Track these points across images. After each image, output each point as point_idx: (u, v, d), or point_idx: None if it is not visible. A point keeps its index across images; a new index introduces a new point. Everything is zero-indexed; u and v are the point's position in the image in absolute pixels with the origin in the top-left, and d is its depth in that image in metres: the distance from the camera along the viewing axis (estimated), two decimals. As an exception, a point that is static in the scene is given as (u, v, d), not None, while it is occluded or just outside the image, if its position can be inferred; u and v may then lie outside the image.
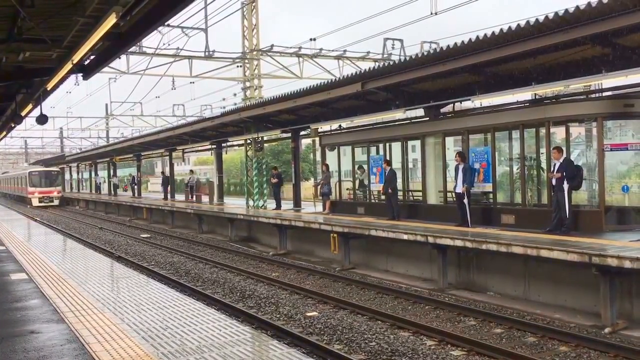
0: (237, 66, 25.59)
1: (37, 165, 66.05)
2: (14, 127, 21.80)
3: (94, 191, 57.68)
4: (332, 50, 24.75)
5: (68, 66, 10.08)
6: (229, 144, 31.21)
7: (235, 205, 27.71)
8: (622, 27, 9.82)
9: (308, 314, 10.73)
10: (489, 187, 14.34)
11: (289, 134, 24.03)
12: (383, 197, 17.46)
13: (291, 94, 18.81)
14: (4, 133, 26.82)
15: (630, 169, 14.57)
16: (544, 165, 13.25)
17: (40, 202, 49.41)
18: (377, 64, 20.73)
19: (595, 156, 12.63)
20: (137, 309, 7.61)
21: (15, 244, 15.68)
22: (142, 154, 42.44)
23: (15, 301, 8.19)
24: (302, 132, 23.57)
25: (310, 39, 24.00)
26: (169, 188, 36.53)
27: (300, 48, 24.44)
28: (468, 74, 13.75)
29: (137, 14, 7.65)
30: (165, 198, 36.01)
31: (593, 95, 13.77)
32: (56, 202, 50.34)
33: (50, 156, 68.39)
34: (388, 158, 17.56)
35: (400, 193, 17.96)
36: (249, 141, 25.17)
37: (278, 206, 23.23)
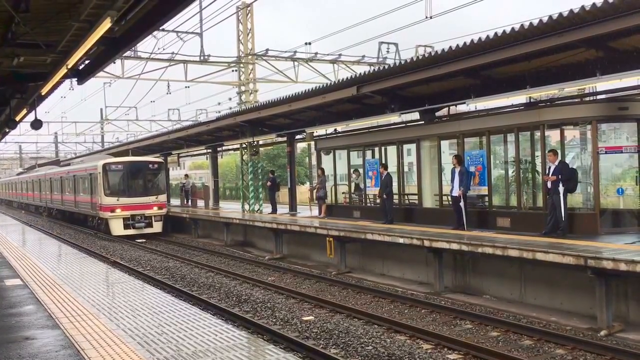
0: (233, 70, 25.63)
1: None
2: (8, 132, 21.71)
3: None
4: (327, 54, 24.86)
5: (63, 71, 10.04)
6: (224, 148, 31.16)
7: (230, 209, 27.68)
8: (615, 31, 9.88)
9: (304, 318, 10.70)
10: (484, 190, 14.35)
11: (285, 138, 24.04)
12: (378, 200, 17.46)
13: (286, 98, 18.82)
14: (-2, 138, 26.70)
15: (625, 172, 14.58)
16: (539, 168, 13.28)
17: (128, 227, 25.60)
18: (372, 67, 20.78)
19: (590, 159, 12.66)
20: (132, 314, 7.58)
21: (9, 249, 15.60)
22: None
23: (10, 307, 8.14)
24: (298, 136, 23.57)
25: (306, 43, 24.13)
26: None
27: (295, 52, 24.50)
28: (463, 78, 13.78)
29: (131, 18, 7.64)
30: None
31: (587, 99, 13.82)
32: (157, 228, 26.18)
33: (45, 161, 67.87)
34: (384, 162, 17.57)
35: (396, 197, 17.97)
36: (244, 145, 25.15)
37: (274, 210, 23.21)
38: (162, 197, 26.73)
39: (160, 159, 29.69)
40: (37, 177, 45.63)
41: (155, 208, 26.06)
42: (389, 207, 16.51)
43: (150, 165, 27.23)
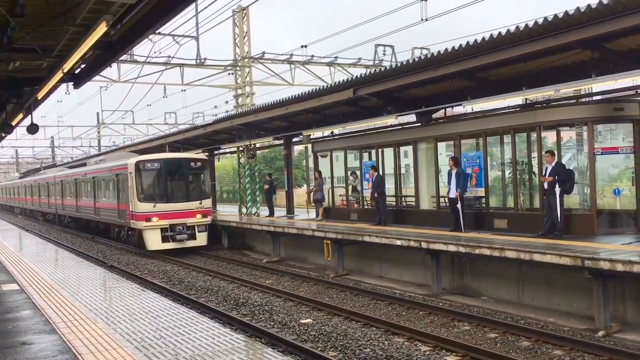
0: (229, 73, 25.61)
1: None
2: (5, 136, 21.67)
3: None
4: (324, 57, 24.84)
5: (59, 75, 10.04)
6: (221, 151, 31.17)
7: (228, 212, 27.64)
8: (610, 32, 9.91)
9: (302, 321, 10.69)
10: (481, 191, 14.38)
11: (281, 141, 24.04)
12: (370, 202, 17.50)
13: (283, 100, 18.82)
14: (-5, 142, 26.58)
15: (621, 173, 14.62)
16: (535, 169, 13.30)
17: (166, 240, 20.78)
18: (368, 70, 20.84)
19: (587, 160, 12.70)
20: (130, 318, 7.56)
21: (6, 254, 15.56)
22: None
23: (7, 312, 8.12)
24: (295, 139, 23.58)
25: (302, 46, 24.08)
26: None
27: (291, 55, 24.49)
28: (459, 80, 13.81)
29: (127, 22, 7.63)
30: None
31: (583, 100, 13.86)
32: (201, 241, 21.42)
33: (38, 166, 67.52)
34: (380, 164, 17.60)
35: (393, 198, 17.99)
36: (241, 148, 25.14)
37: (271, 213, 23.19)
38: (207, 203, 22.05)
39: (204, 156, 25.29)
40: (45, 179, 40.25)
41: (198, 216, 21.24)
42: (383, 209, 16.54)
43: (193, 163, 22.14)
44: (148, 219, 20.62)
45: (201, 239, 21.33)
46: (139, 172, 21.12)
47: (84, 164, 33.62)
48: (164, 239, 20.69)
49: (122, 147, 39.43)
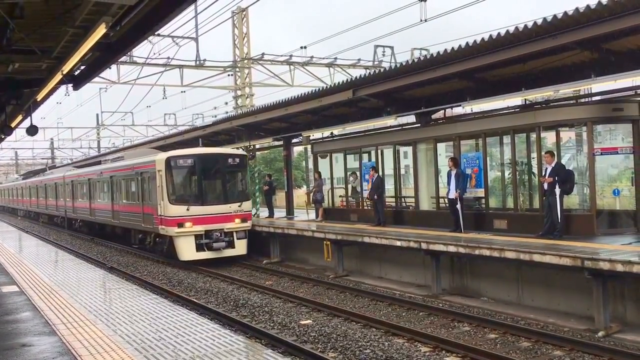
0: (228, 75, 25.65)
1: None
2: (4, 138, 21.67)
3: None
4: (323, 58, 24.90)
5: (58, 77, 10.03)
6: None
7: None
8: (609, 32, 9.92)
9: (302, 322, 10.69)
10: (481, 192, 14.37)
11: (281, 142, 24.03)
12: (369, 203, 17.50)
13: (282, 101, 18.82)
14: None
15: (621, 173, 14.63)
16: (535, 170, 13.31)
17: (201, 249, 18.15)
18: (367, 71, 20.84)
19: (586, 160, 12.70)
20: (129, 320, 7.56)
21: (6, 256, 15.56)
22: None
23: (6, 314, 8.11)
24: (294, 140, 23.57)
25: (301, 47, 24.12)
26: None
27: (291, 56, 24.53)
28: (458, 80, 13.81)
29: (126, 24, 7.64)
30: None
31: (583, 100, 13.86)
32: (240, 249, 18.77)
33: (39, 167, 67.46)
34: (380, 165, 17.59)
35: (392, 199, 17.99)
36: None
37: (271, 214, 23.19)
38: (247, 205, 19.34)
39: (243, 151, 21.91)
40: (52, 180, 37.67)
41: (237, 220, 18.53)
42: (381, 210, 16.55)
43: (231, 160, 19.42)
44: (180, 224, 17.94)
45: (241, 248, 18.65)
46: (170, 169, 18.48)
47: (98, 162, 30.87)
48: (198, 248, 17.99)
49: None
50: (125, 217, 23.00)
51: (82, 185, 29.89)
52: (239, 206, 18.77)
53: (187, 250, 18.01)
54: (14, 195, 57.68)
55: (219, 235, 18.12)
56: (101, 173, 26.57)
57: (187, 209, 18.05)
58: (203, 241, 18.00)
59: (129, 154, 26.36)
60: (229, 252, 18.32)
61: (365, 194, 18.46)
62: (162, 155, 19.31)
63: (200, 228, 17.98)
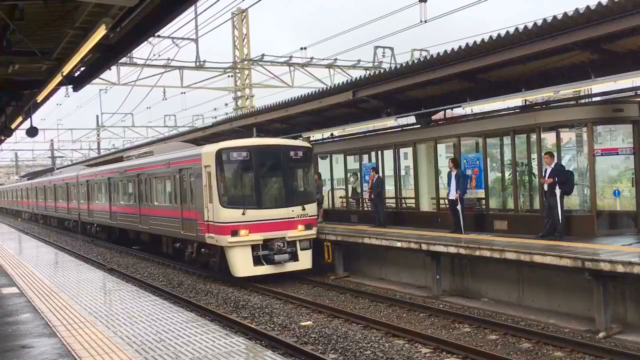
0: (228, 76, 25.65)
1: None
2: (4, 139, 21.67)
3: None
4: (323, 59, 24.87)
5: (58, 78, 10.03)
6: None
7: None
8: (609, 33, 9.92)
9: (302, 324, 10.68)
10: (481, 193, 14.36)
11: (281, 143, 23.95)
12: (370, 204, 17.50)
13: (283, 103, 18.82)
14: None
15: (621, 174, 14.62)
16: (535, 170, 13.29)
17: (259, 262, 14.62)
18: (368, 72, 20.82)
19: (586, 161, 12.69)
20: (129, 321, 7.56)
21: (5, 257, 15.55)
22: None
23: (6, 316, 8.11)
24: (294, 141, 23.53)
25: (301, 48, 24.10)
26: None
27: (291, 57, 24.53)
28: (458, 81, 13.81)
29: (126, 25, 7.63)
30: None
31: (583, 101, 13.85)
32: (305, 263, 15.20)
33: (41, 168, 67.53)
34: (379, 166, 17.59)
35: (392, 200, 17.98)
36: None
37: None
38: (312, 209, 15.84)
39: (307, 143, 17.84)
40: (63, 179, 34.30)
41: (301, 227, 15.22)
42: (381, 210, 16.55)
43: (293, 153, 15.84)
44: (234, 232, 14.54)
45: (305, 260, 15.25)
46: (221, 165, 14.96)
47: (120, 159, 27.40)
48: (256, 261, 14.71)
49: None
50: (156, 223, 19.65)
51: (100, 185, 26.41)
52: (303, 209, 15.41)
53: (243, 264, 14.61)
54: (18, 197, 53.86)
55: (282, 245, 14.83)
56: (125, 171, 23.05)
57: (243, 213, 14.72)
58: (261, 252, 14.76)
59: (159, 148, 22.84)
60: (292, 267, 15.05)
61: (366, 195, 18.47)
62: (212, 148, 15.59)
63: (258, 237, 14.72)
